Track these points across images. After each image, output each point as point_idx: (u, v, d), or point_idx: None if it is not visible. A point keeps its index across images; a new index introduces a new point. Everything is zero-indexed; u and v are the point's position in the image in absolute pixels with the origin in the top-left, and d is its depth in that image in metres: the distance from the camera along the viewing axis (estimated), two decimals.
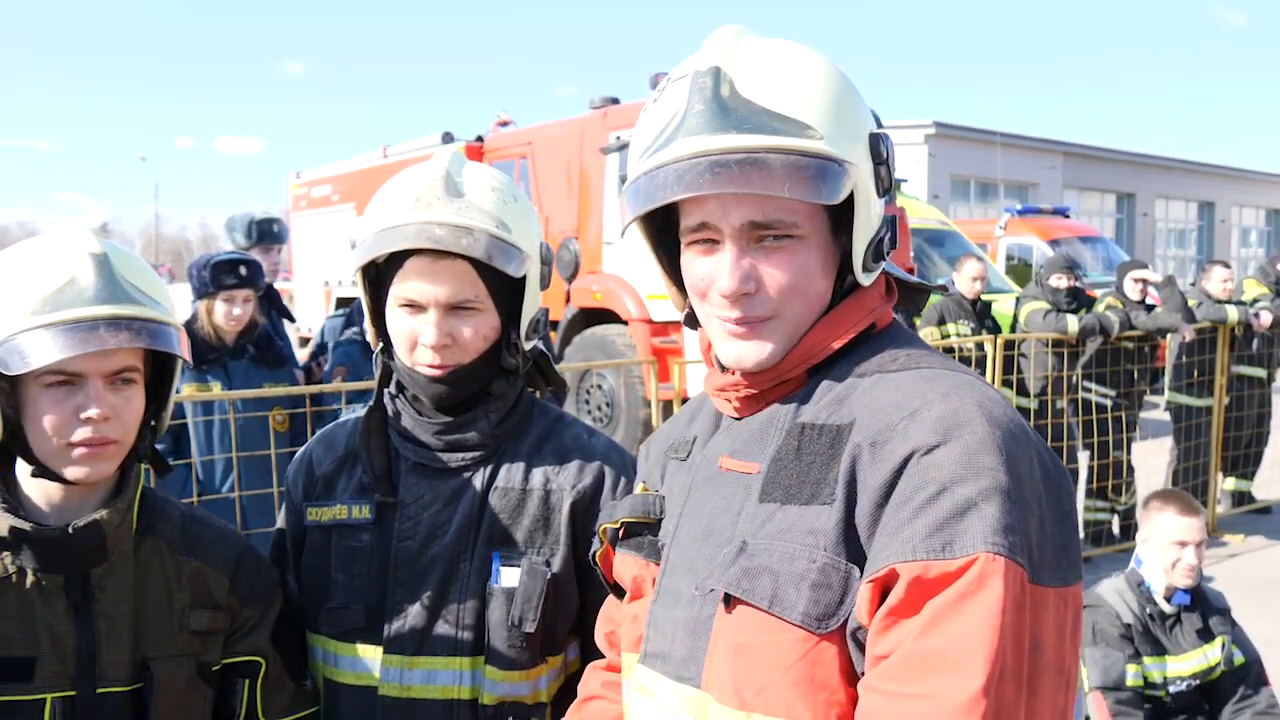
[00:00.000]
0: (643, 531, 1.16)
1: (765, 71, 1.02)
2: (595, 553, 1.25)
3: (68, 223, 1.35)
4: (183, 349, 1.34)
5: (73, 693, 1.30)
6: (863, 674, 0.94)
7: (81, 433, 1.27)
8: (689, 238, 1.06)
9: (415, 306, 1.41)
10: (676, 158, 1.00)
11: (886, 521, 0.93)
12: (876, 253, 1.07)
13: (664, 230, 1.14)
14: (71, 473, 1.29)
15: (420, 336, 1.41)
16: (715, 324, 1.07)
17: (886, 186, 1.06)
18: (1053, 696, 0.91)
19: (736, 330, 1.05)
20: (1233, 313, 6.61)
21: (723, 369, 1.12)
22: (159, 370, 1.40)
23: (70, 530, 1.29)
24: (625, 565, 1.18)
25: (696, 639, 1.03)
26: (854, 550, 0.95)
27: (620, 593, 1.23)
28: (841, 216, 1.05)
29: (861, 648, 0.94)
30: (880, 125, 9.00)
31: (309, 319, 11.56)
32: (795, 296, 1.04)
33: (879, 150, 1.04)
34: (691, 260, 1.07)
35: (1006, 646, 0.86)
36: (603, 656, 1.33)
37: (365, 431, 1.51)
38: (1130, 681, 3.03)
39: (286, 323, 4.81)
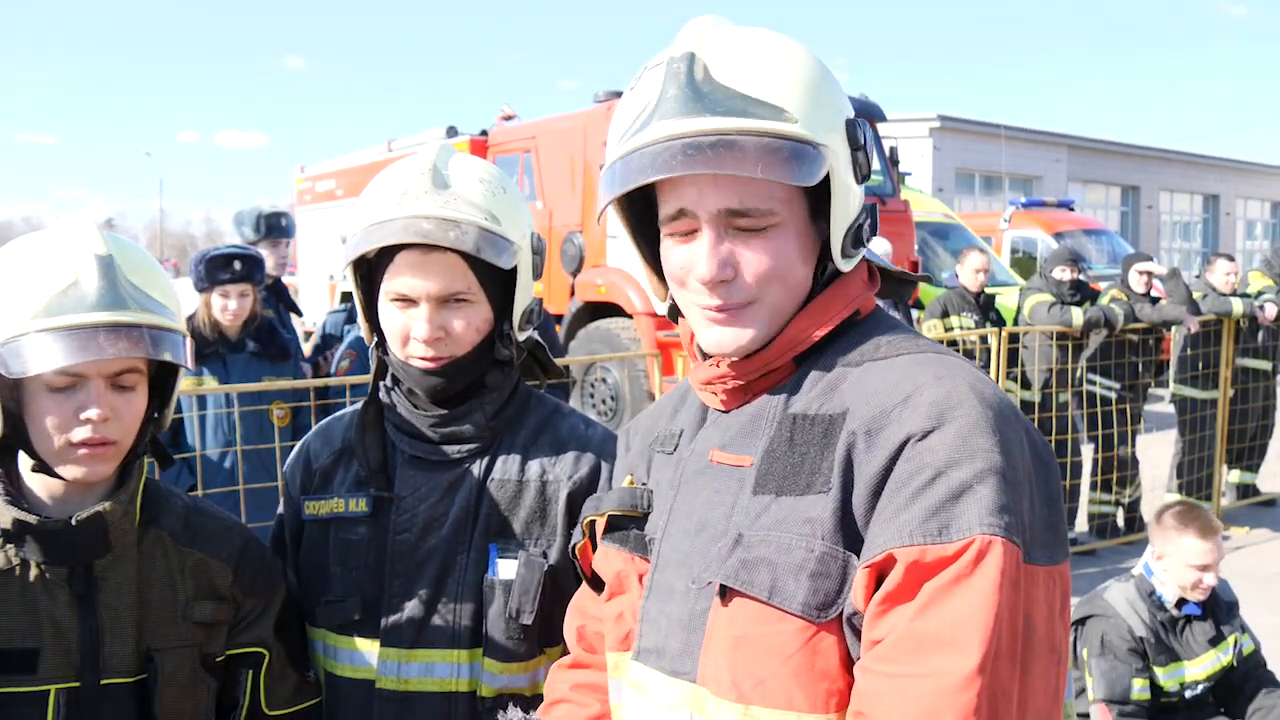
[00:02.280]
0: (628, 525, 1.16)
1: (740, 56, 1.02)
2: (575, 545, 1.25)
3: (76, 219, 1.34)
4: (186, 354, 1.33)
5: (76, 684, 1.30)
6: (858, 659, 0.94)
7: (81, 433, 1.27)
8: (667, 226, 1.06)
9: (406, 301, 1.41)
10: (650, 141, 1.00)
11: (883, 507, 0.93)
12: (856, 239, 1.07)
13: (644, 218, 1.14)
14: (69, 472, 1.29)
15: (412, 330, 1.41)
16: (695, 311, 1.07)
17: (864, 173, 1.06)
18: (1044, 674, 0.92)
19: (716, 316, 1.05)
20: (1238, 305, 6.59)
21: (705, 358, 1.12)
22: (165, 366, 1.40)
23: (73, 522, 1.29)
24: (608, 559, 1.18)
25: (691, 633, 1.03)
26: (851, 538, 0.96)
27: (597, 586, 1.22)
28: (820, 203, 1.05)
29: (857, 633, 0.94)
30: (885, 118, 8.90)
31: (314, 313, 11.57)
32: (774, 282, 1.04)
33: (855, 136, 1.04)
34: (670, 248, 1.07)
35: (1002, 625, 0.87)
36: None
37: (361, 425, 1.51)
38: (1136, 695, 3.03)
39: (293, 316, 4.81)
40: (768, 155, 0.97)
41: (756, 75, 1.01)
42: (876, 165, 8.64)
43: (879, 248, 5.92)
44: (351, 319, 4.61)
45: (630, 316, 7.58)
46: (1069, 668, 2.64)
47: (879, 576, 0.92)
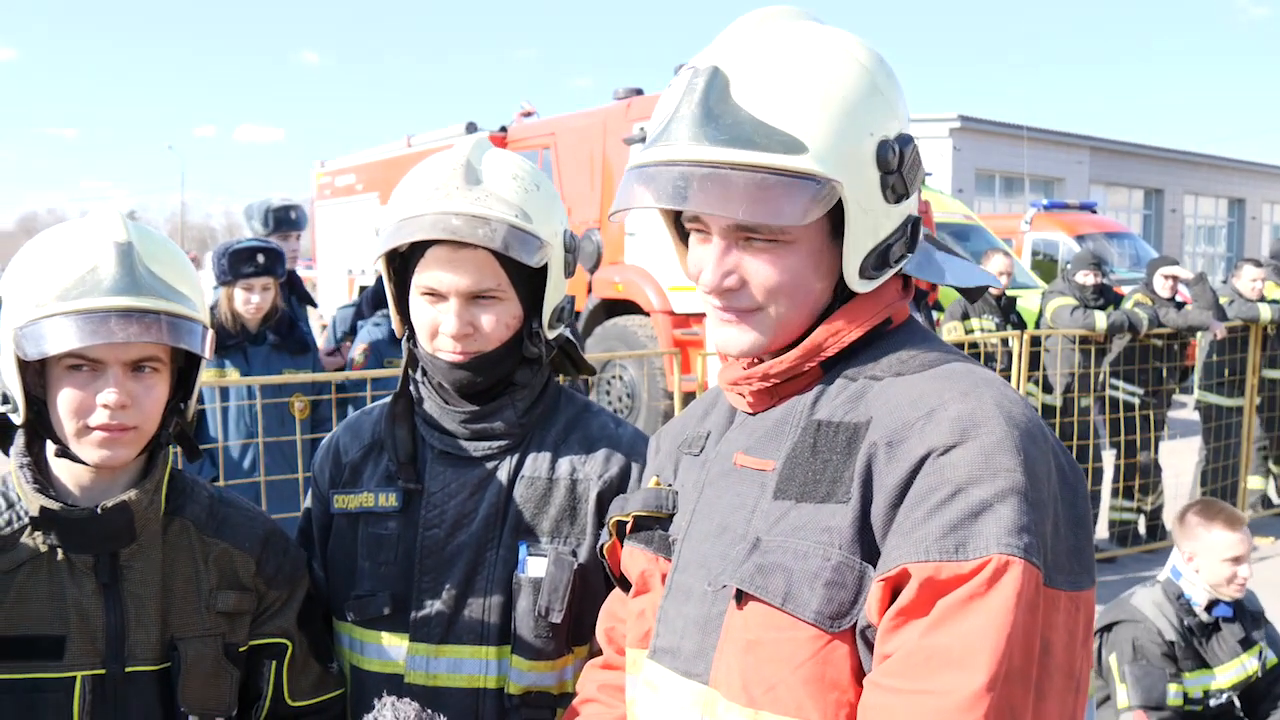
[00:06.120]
0: (653, 526, 1.16)
1: (768, 74, 0.99)
2: (603, 545, 1.25)
3: (103, 208, 1.36)
4: (204, 344, 1.34)
5: (102, 671, 1.31)
6: (870, 672, 0.93)
7: (98, 417, 1.28)
8: (689, 225, 1.07)
9: (436, 295, 1.41)
10: (654, 160, 1.00)
11: (901, 521, 0.93)
12: (881, 260, 1.04)
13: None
14: (89, 456, 1.30)
15: (441, 325, 1.41)
16: (709, 308, 1.08)
17: (899, 193, 1.03)
18: (1061, 701, 0.91)
19: (724, 317, 1.06)
20: (1265, 311, 6.51)
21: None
22: (192, 357, 1.40)
23: (99, 511, 1.30)
24: (634, 559, 1.18)
25: (706, 635, 1.03)
26: (868, 549, 0.95)
27: (626, 586, 1.23)
28: (843, 221, 1.02)
29: (870, 646, 0.94)
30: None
31: (332, 307, 11.64)
32: (781, 297, 1.03)
33: (886, 159, 1.00)
34: (693, 245, 1.08)
35: (1015, 647, 0.86)
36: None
37: (391, 418, 1.51)
38: (1171, 701, 2.98)
39: (309, 309, 4.82)
40: (758, 193, 0.96)
41: (778, 98, 0.98)
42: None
43: None
44: (361, 315, 4.58)
45: (648, 314, 7.58)
46: (1091, 677, 2.59)
47: (894, 590, 0.91)
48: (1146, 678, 2.97)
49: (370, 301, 4.51)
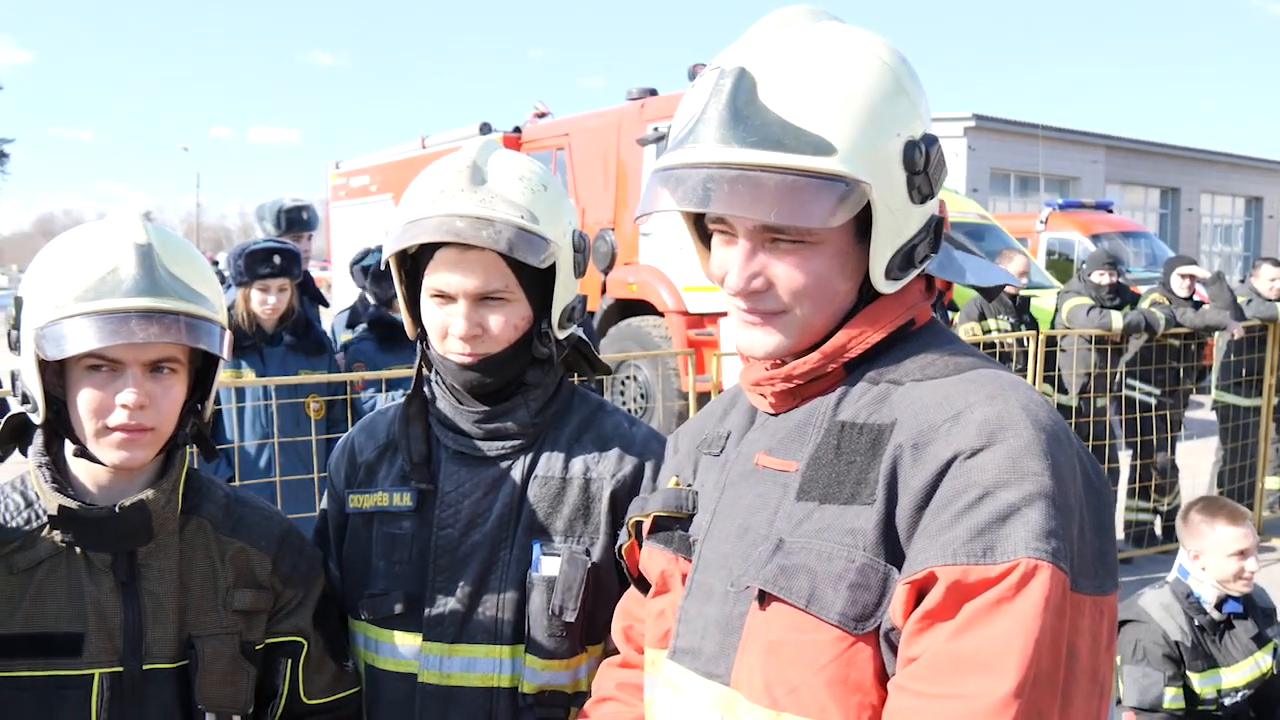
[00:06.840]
0: (673, 526, 1.16)
1: (793, 75, 0.99)
2: (621, 545, 1.25)
3: (122, 210, 1.38)
4: (222, 345, 1.35)
5: (120, 669, 1.32)
6: (893, 675, 0.93)
7: (117, 418, 1.29)
8: (712, 226, 1.07)
9: (445, 297, 1.42)
10: (681, 163, 1.00)
11: (927, 524, 0.92)
12: (906, 260, 1.04)
13: None
14: (107, 457, 1.31)
15: (450, 327, 1.42)
16: (732, 310, 1.07)
17: (924, 194, 1.02)
18: (1086, 706, 0.90)
19: (748, 319, 1.05)
20: None
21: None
22: (209, 357, 1.41)
23: (117, 510, 1.31)
24: (653, 559, 1.18)
25: (728, 636, 1.03)
26: (893, 551, 0.95)
27: (644, 586, 1.23)
28: (869, 222, 1.02)
29: (894, 649, 0.93)
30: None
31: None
32: (806, 299, 1.03)
33: (912, 159, 1.00)
34: (716, 247, 1.07)
35: (1043, 651, 0.85)
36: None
37: (405, 419, 1.52)
38: (1168, 704, 2.97)
39: (321, 309, 4.83)
40: (788, 195, 0.95)
41: (805, 99, 0.97)
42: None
43: None
44: (355, 319, 4.53)
45: (662, 315, 7.58)
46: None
47: (919, 593, 0.91)
48: (1143, 679, 2.96)
49: (366, 307, 4.42)
